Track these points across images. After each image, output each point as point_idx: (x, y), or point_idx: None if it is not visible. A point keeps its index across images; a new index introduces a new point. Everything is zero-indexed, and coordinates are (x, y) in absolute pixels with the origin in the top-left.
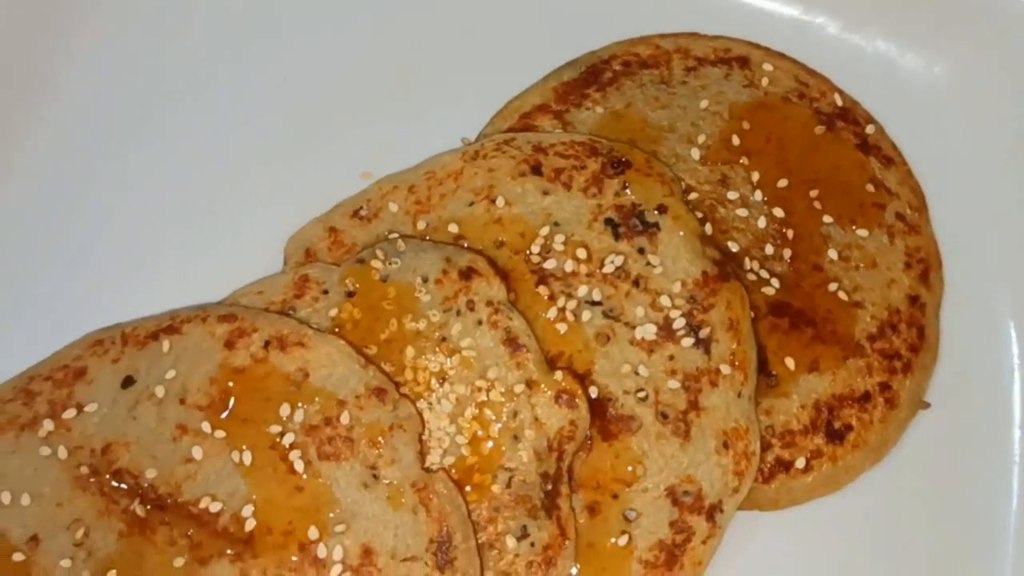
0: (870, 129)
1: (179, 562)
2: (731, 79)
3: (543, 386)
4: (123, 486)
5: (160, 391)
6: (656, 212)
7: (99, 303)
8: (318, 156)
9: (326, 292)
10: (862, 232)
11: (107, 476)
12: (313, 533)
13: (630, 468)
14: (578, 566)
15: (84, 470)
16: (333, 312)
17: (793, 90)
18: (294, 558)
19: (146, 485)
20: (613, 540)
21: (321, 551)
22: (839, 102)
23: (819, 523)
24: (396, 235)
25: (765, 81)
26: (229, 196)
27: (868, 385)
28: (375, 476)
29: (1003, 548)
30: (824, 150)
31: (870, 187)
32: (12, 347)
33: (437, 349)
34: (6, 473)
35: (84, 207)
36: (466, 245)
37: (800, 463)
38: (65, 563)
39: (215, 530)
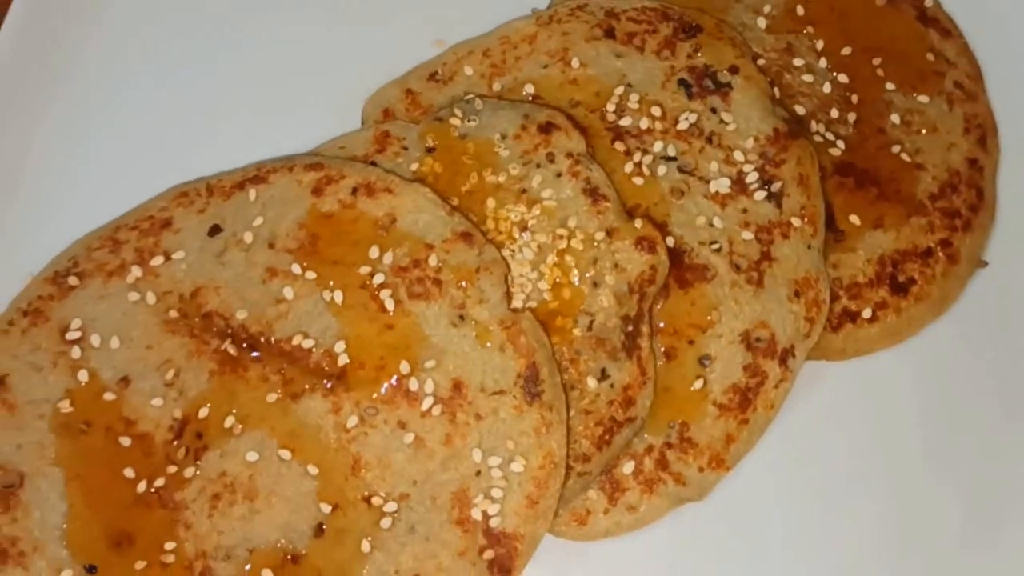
0: (928, 2)
1: (271, 398)
2: None
3: (623, 233)
4: (213, 328)
5: (248, 237)
6: (728, 73)
7: (180, 162)
8: (392, 24)
9: (406, 148)
10: (923, 99)
11: (196, 319)
12: (404, 368)
13: (707, 316)
14: None
15: (173, 314)
16: (414, 167)
17: None
18: (386, 391)
19: (236, 326)
20: (689, 384)
21: (412, 384)
22: None
23: (883, 375)
24: (473, 95)
25: None
26: (307, 60)
27: (930, 241)
28: (462, 316)
29: None
30: (885, 21)
31: (930, 56)
32: (99, 201)
33: (518, 200)
34: (95, 317)
35: (169, 67)
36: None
37: (866, 313)
38: (156, 402)
39: (307, 366)
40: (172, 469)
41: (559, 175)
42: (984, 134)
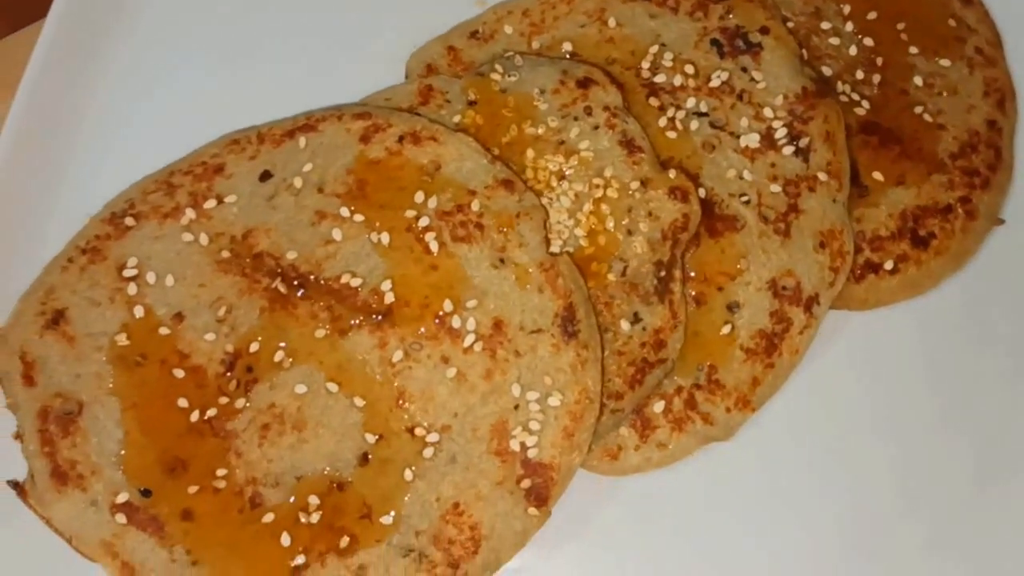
0: None
1: (320, 333)
2: None
3: (657, 183)
4: (264, 267)
5: (298, 182)
6: (759, 33)
7: (232, 112)
8: None
9: (449, 101)
10: (944, 62)
11: (248, 259)
12: (448, 307)
13: (735, 264)
14: None
15: (225, 254)
16: (456, 118)
17: None
18: (430, 328)
19: (287, 265)
20: (718, 329)
21: (455, 322)
22: None
23: (903, 326)
24: (513, 52)
25: None
26: (355, 17)
27: (950, 198)
28: (503, 259)
29: None
30: None
31: (951, 23)
32: (154, 148)
33: (556, 151)
34: (150, 256)
35: (224, 23)
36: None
37: (888, 265)
38: (209, 337)
39: (355, 304)
40: (224, 400)
41: (596, 127)
42: (1003, 97)
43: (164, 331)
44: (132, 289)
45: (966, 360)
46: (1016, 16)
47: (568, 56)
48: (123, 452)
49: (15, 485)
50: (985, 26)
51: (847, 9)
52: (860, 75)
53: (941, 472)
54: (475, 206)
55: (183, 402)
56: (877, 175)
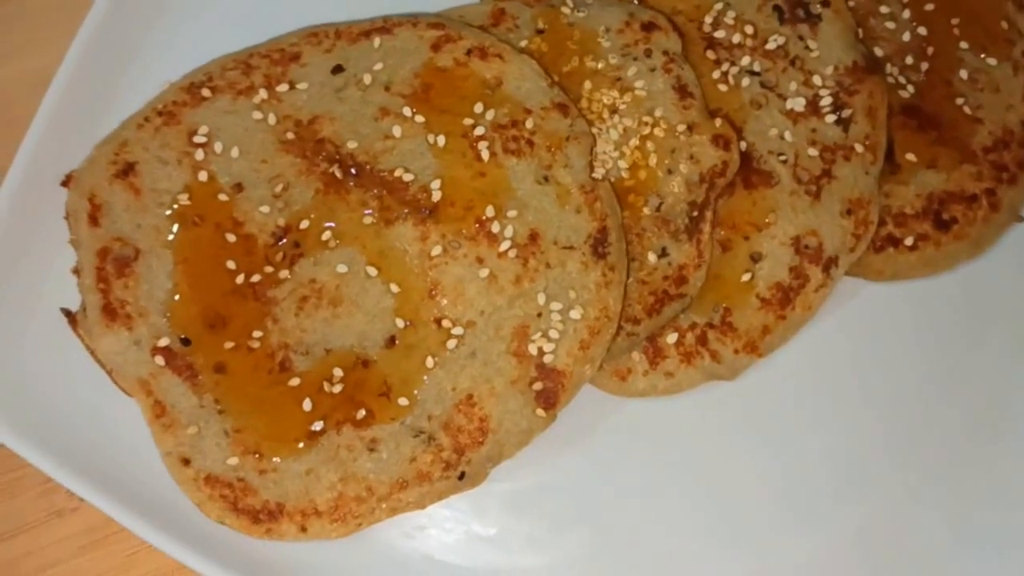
0: None
1: (367, 220)
2: None
3: (703, 129)
4: (324, 153)
5: (367, 79)
6: (820, 5)
7: (312, 7)
8: None
9: (518, 26)
10: (991, 61)
11: (310, 143)
12: (490, 212)
13: (765, 217)
14: None
15: (290, 136)
16: (523, 43)
17: None
18: (470, 229)
19: (345, 153)
20: (739, 275)
21: (495, 227)
22: None
23: (914, 301)
24: None
25: None
26: None
27: (977, 188)
28: (547, 176)
29: None
30: None
31: (1004, 25)
32: (238, 30)
33: (612, 86)
34: (221, 128)
35: None
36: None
37: (908, 241)
38: (264, 209)
39: (404, 197)
40: (269, 269)
41: (653, 70)
42: None
43: (223, 198)
44: (199, 155)
45: (965, 341)
46: None
47: (637, 1)
48: (170, 302)
49: (68, 314)
50: None
51: None
52: (909, 60)
53: (926, 434)
54: (529, 124)
55: (231, 264)
56: (911, 156)
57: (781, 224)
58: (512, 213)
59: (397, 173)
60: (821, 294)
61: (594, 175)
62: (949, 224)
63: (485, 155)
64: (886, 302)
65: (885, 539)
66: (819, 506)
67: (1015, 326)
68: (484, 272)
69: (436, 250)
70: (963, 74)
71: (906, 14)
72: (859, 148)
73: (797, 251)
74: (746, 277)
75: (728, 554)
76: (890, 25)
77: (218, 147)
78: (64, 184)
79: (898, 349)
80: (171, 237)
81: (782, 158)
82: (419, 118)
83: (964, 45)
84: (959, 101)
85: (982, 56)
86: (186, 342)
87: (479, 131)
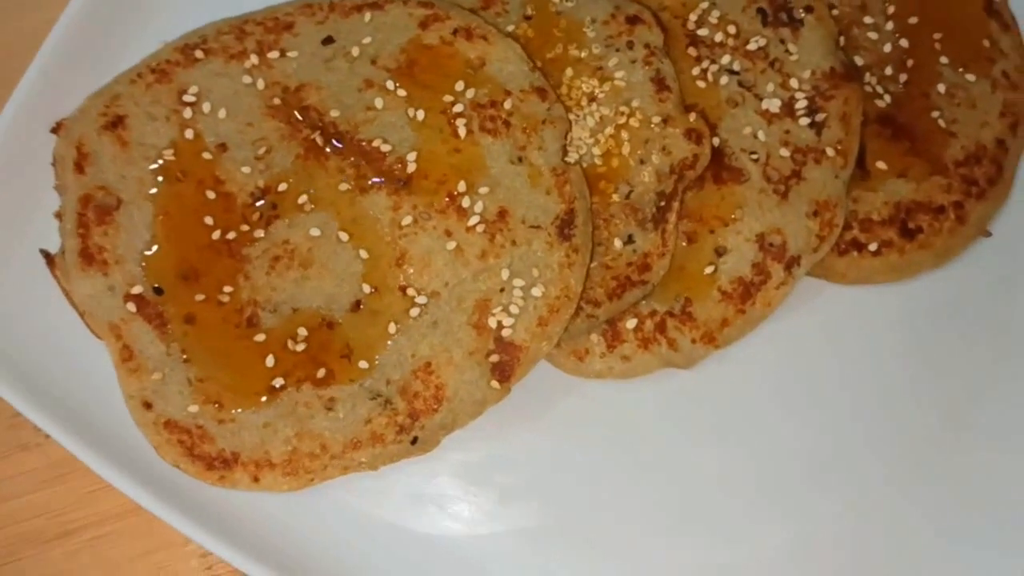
0: None
1: (343, 187)
2: None
3: (677, 123)
4: (308, 119)
5: (355, 51)
6: (803, 11)
7: None
8: None
9: (507, 11)
10: (970, 77)
11: (295, 110)
12: (462, 187)
13: (732, 212)
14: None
15: (276, 101)
16: (511, 27)
17: None
18: (441, 202)
19: (328, 122)
20: (702, 267)
21: (465, 202)
22: None
23: (874, 307)
24: None
25: None
26: None
27: (945, 200)
28: (521, 157)
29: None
30: (955, 3)
31: (986, 43)
32: None
33: (592, 75)
34: (211, 89)
35: None
36: None
37: (872, 247)
38: (245, 170)
39: (380, 167)
40: (245, 228)
41: (634, 61)
42: (1017, 121)
43: (207, 156)
44: (188, 113)
45: (922, 350)
46: None
47: None
48: (147, 252)
49: (47, 255)
50: (1018, 54)
51: (891, 9)
52: (889, 71)
53: (875, 439)
54: (507, 105)
55: (209, 220)
56: (882, 164)
57: (747, 220)
58: (484, 190)
59: (375, 143)
60: (782, 292)
61: (567, 159)
62: (914, 233)
63: (462, 132)
64: (847, 305)
65: (820, 552)
66: (760, 499)
67: (973, 339)
68: (451, 245)
69: (407, 220)
70: (941, 88)
71: (889, 26)
72: (830, 152)
73: (761, 248)
74: (709, 270)
75: (676, 541)
76: (873, 35)
77: (206, 107)
78: (54, 131)
79: (855, 351)
80: (154, 190)
81: (754, 156)
82: (401, 92)
83: (944, 60)
84: (935, 114)
85: (961, 71)
86: (159, 291)
87: (458, 108)
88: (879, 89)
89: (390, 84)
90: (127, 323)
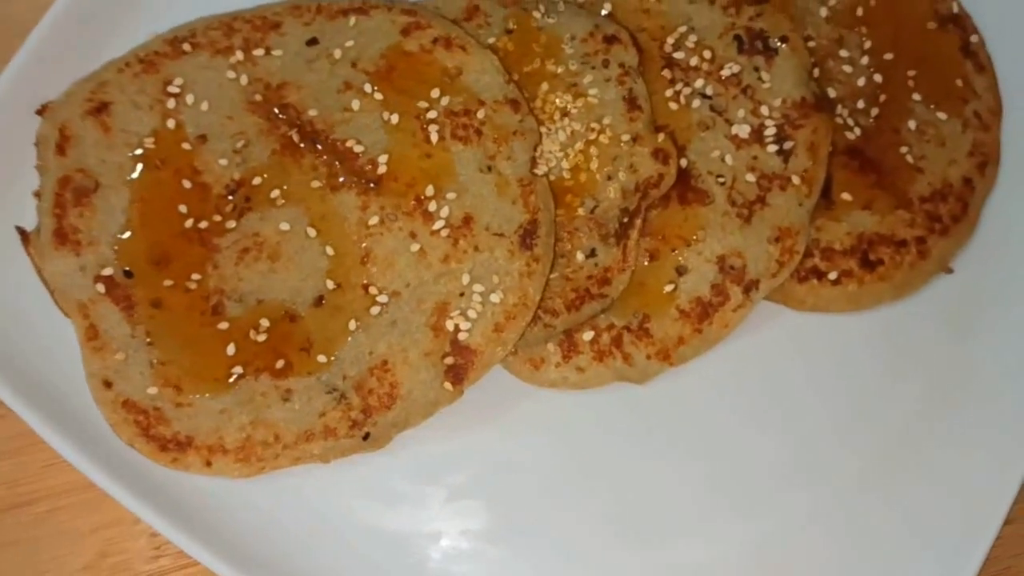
0: (974, 39)
1: (315, 184)
2: None
3: (646, 142)
4: (286, 117)
5: (338, 53)
6: (779, 41)
7: None
8: None
9: (489, 24)
10: (941, 115)
11: (275, 107)
12: (430, 191)
13: (694, 233)
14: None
15: (258, 97)
16: (491, 40)
17: None
18: (409, 205)
19: (306, 120)
20: (662, 285)
21: (432, 206)
22: (955, 9)
23: (831, 335)
24: None
25: None
26: None
27: (908, 235)
28: (490, 166)
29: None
30: (931, 42)
31: (959, 83)
32: None
33: (567, 90)
34: (195, 81)
35: None
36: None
37: (832, 276)
38: (222, 162)
39: (352, 167)
40: (217, 218)
41: (608, 80)
42: (986, 161)
43: (186, 146)
44: (171, 104)
45: (876, 380)
46: (1021, 93)
47: (606, 14)
48: (120, 235)
49: (22, 232)
50: (991, 95)
51: (868, 44)
52: (861, 104)
53: (825, 466)
54: (480, 114)
55: (183, 209)
56: (847, 195)
57: (709, 242)
58: (451, 195)
59: (349, 144)
60: (739, 314)
61: (536, 171)
62: (875, 265)
63: (434, 138)
64: (804, 331)
65: (766, 565)
66: (708, 511)
67: (927, 374)
68: (415, 247)
69: (374, 220)
70: (912, 124)
71: (865, 60)
72: (796, 180)
73: (721, 269)
74: (669, 288)
75: (620, 548)
76: (847, 68)
77: (190, 99)
78: (39, 112)
79: (809, 377)
80: (132, 176)
81: (720, 180)
82: (378, 95)
83: (917, 97)
84: (903, 149)
85: (933, 109)
86: (128, 275)
87: (432, 115)
88: (850, 121)
89: (368, 87)
90: (95, 303)
